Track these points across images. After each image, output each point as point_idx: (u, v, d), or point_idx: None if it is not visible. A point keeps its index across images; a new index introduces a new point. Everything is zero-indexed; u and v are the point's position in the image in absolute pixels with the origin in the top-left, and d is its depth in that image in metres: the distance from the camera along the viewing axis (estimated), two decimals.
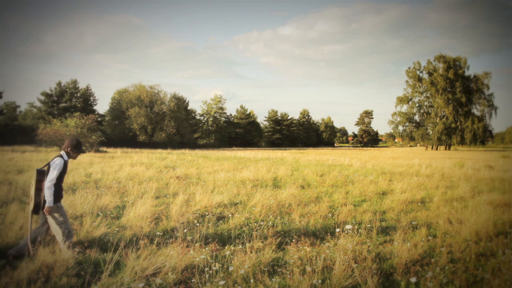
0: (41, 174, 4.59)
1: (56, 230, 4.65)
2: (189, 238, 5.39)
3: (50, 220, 4.65)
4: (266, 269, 4.27)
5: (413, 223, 6.62)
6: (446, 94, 67.32)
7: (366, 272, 4.04)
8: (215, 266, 4.21)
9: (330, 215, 7.27)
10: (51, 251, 4.40)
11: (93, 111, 56.04)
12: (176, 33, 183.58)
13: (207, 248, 4.85)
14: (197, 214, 7.02)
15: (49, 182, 4.55)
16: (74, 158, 4.96)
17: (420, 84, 71.20)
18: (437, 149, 69.53)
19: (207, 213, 7.22)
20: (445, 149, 70.15)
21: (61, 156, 4.78)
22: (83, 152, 5.07)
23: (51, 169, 4.62)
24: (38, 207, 4.58)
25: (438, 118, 70.12)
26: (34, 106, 58.05)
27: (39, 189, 4.55)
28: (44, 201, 4.58)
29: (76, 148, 4.88)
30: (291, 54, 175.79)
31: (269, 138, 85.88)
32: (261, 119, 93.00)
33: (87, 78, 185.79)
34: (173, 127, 58.21)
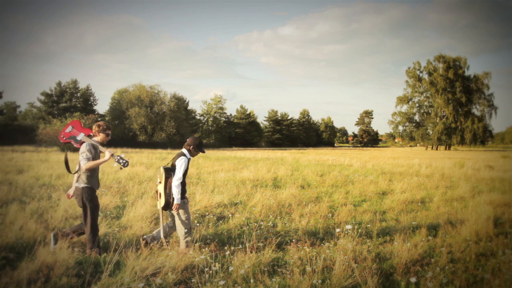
0: (169, 172, 4.85)
1: (179, 226, 4.91)
2: (189, 238, 5.38)
3: (176, 216, 4.89)
4: (266, 269, 4.27)
5: (413, 223, 6.62)
6: (446, 94, 67.30)
7: (366, 272, 4.04)
8: (215, 266, 4.21)
9: (330, 215, 7.27)
10: (51, 251, 4.40)
11: (93, 111, 55.99)
12: (176, 33, 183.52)
13: (207, 248, 4.85)
14: (197, 214, 7.02)
15: (177, 181, 4.77)
16: (194, 156, 5.11)
17: (420, 84, 71.21)
18: (437, 149, 69.52)
19: (207, 213, 7.22)
20: (445, 149, 70.13)
21: (184, 154, 4.94)
22: (203, 151, 5.18)
23: (177, 168, 4.83)
24: (168, 204, 4.82)
25: (438, 118, 70.11)
26: (34, 106, 58.07)
27: (169, 186, 4.81)
28: (173, 199, 4.81)
29: (198, 147, 5.06)
30: (291, 54, 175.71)
31: (269, 138, 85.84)
32: (261, 119, 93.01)
33: (87, 78, 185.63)
34: (173, 127, 58.18)
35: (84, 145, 4.67)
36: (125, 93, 60.29)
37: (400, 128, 74.36)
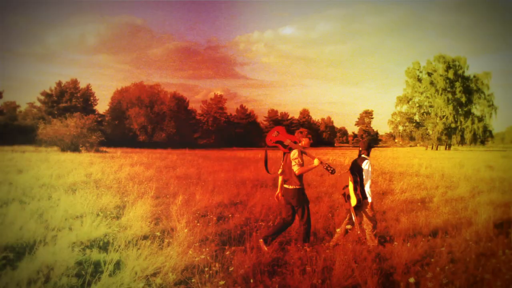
0: (356, 175, 5.38)
1: (367, 221, 5.35)
2: (189, 238, 5.38)
3: (364, 213, 5.34)
4: (266, 269, 4.27)
5: (414, 223, 6.62)
6: (446, 94, 67.28)
7: (366, 272, 4.04)
8: (215, 266, 4.21)
9: (330, 215, 7.27)
10: (52, 251, 4.40)
11: (93, 111, 55.97)
12: (177, 34, 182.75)
13: (207, 248, 4.85)
14: (197, 214, 7.02)
15: (369, 182, 5.32)
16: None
17: (420, 84, 71.17)
18: (437, 149, 69.50)
19: (207, 213, 7.22)
20: (445, 149, 70.10)
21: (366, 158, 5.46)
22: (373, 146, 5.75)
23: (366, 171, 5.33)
24: (360, 202, 5.28)
25: (438, 118, 70.09)
26: (34, 106, 58.07)
27: (357, 187, 5.31)
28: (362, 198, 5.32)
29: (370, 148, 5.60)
30: (292, 54, 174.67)
31: None
32: (261, 119, 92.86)
33: (87, 78, 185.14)
34: (173, 127, 58.25)
35: (296, 151, 5.10)
36: (125, 93, 60.32)
37: (400, 128, 74.28)
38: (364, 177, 5.32)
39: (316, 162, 5.07)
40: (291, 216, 5.26)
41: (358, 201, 5.26)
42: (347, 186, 5.36)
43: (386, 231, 6.16)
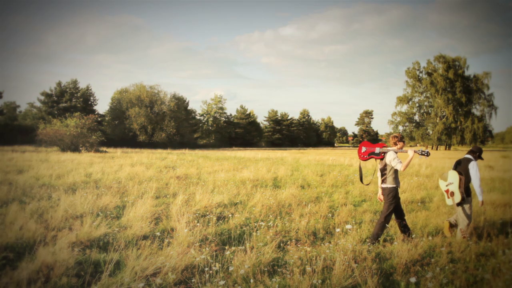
0: (461, 174, 5.73)
1: (463, 218, 5.66)
2: (189, 238, 5.39)
3: (461, 209, 5.70)
4: (266, 269, 4.27)
5: (414, 223, 6.62)
6: (446, 94, 67.31)
7: (366, 272, 4.04)
8: (215, 266, 4.21)
9: (330, 215, 7.27)
10: (51, 251, 4.40)
11: (93, 111, 55.81)
12: (177, 34, 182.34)
13: (207, 248, 4.85)
14: (197, 214, 7.02)
15: (479, 181, 5.62)
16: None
17: (420, 84, 71.21)
18: (437, 149, 69.52)
19: (207, 213, 7.22)
20: (445, 149, 70.13)
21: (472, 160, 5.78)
22: (482, 159, 6.19)
23: (474, 171, 5.65)
24: (464, 199, 5.63)
25: (438, 118, 70.12)
26: (34, 106, 57.97)
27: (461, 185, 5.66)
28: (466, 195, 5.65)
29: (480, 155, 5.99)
30: (292, 54, 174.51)
31: (269, 138, 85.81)
32: (261, 119, 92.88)
33: (87, 78, 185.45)
34: (173, 127, 58.18)
35: (391, 153, 5.48)
36: (125, 93, 60.29)
37: (400, 128, 74.30)
38: (472, 177, 5.62)
39: (410, 153, 5.33)
40: (392, 213, 5.64)
41: (462, 198, 5.58)
42: (451, 183, 5.71)
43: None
